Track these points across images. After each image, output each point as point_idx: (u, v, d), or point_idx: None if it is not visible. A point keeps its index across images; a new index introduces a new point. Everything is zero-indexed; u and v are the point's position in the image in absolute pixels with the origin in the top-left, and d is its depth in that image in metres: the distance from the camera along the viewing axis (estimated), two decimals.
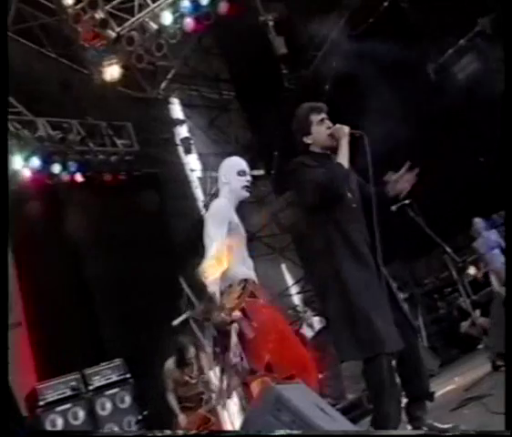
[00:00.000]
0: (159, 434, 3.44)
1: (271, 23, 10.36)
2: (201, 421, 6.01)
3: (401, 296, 9.52)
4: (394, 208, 5.11)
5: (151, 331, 8.56)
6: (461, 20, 9.15)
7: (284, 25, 10.53)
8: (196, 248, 14.55)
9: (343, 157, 3.52)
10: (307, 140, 3.74)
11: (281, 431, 2.19)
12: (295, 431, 2.18)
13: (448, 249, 5.19)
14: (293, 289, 14.28)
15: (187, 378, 6.13)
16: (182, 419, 6.05)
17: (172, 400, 6.14)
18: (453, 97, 9.57)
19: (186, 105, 13.15)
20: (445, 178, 9.09)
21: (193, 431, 5.53)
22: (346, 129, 3.62)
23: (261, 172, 14.41)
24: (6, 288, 2.23)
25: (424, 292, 10.67)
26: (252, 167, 13.43)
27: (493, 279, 8.23)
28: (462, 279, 8.92)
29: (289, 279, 14.43)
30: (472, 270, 9.59)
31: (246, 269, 3.73)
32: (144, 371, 8.14)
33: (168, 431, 5.39)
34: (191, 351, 6.20)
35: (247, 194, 3.85)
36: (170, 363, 6.29)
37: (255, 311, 3.43)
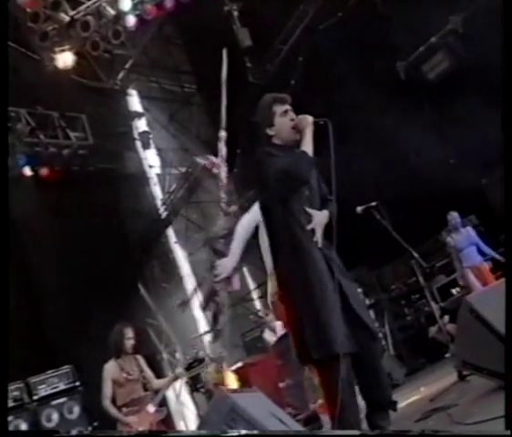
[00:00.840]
0: (155, 434, 3.47)
1: (235, 13, 10.37)
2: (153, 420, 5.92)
3: (365, 301, 9.70)
4: (359, 210, 5.18)
5: (104, 335, 8.42)
6: (432, 17, 9.29)
7: (249, 16, 10.55)
8: (152, 251, 14.49)
9: (308, 146, 3.56)
10: (270, 132, 3.76)
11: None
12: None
13: (415, 255, 5.26)
14: (255, 294, 14.31)
15: (125, 375, 5.96)
16: (132, 420, 5.84)
17: (110, 407, 5.91)
18: (422, 97, 9.77)
19: (145, 97, 13.10)
20: (413, 181, 9.27)
21: (191, 432, 5.41)
22: (310, 119, 3.65)
23: None
24: (7, 287, 2.33)
25: (391, 298, 10.84)
26: (213, 165, 13.62)
27: (471, 277, 8.45)
28: (430, 285, 9.09)
29: (251, 283, 14.44)
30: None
31: None
32: (95, 379, 7.98)
33: (166, 431, 5.53)
34: (129, 341, 6.13)
35: None
36: (109, 363, 6.14)
37: None
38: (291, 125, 3.72)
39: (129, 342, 6.11)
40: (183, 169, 13.25)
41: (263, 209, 3.72)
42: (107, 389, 5.95)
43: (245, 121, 11.28)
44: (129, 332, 6.15)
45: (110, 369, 6.05)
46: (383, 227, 4.80)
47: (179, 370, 6.75)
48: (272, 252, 3.65)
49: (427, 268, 7.29)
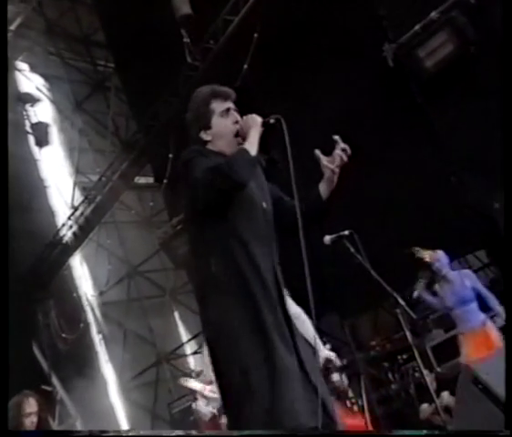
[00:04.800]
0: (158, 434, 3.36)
1: None
2: None
3: (336, 361, 9.68)
4: (327, 240, 5.14)
5: None
6: None
7: None
8: (49, 287, 14.18)
9: (251, 145, 3.52)
10: (205, 136, 3.70)
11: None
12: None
13: (402, 302, 5.22)
14: (189, 347, 14.32)
15: None
16: None
17: None
18: (416, 91, 9.85)
19: (42, 74, 12.97)
20: (399, 202, 9.29)
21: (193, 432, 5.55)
22: (257, 119, 3.62)
23: (149, 181, 14.34)
24: (7, 286, 2.80)
25: (370, 359, 10.80)
26: (137, 173, 13.55)
27: (467, 348, 7.88)
28: (421, 342, 9.09)
29: (183, 333, 14.39)
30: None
31: None
32: None
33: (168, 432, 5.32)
34: (28, 418, 5.93)
35: None
36: None
37: None
38: (233, 129, 3.67)
39: (29, 420, 5.94)
40: (95, 177, 13.10)
41: (191, 229, 3.68)
42: None
43: (180, 115, 11.23)
44: (30, 406, 6.00)
45: None
46: (358, 263, 4.77)
47: None
48: (198, 295, 3.58)
49: (418, 319, 7.23)
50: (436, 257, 7.90)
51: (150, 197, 15.25)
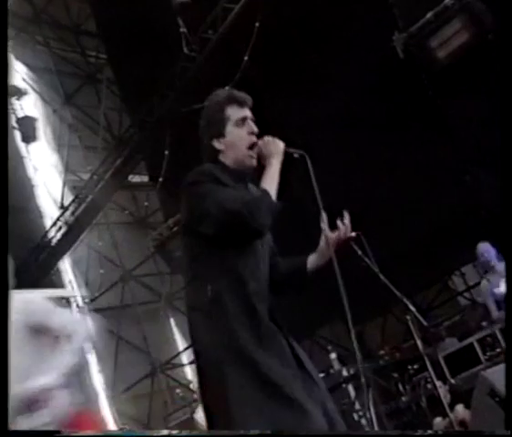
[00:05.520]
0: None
1: None
2: None
3: (343, 372, 9.58)
4: None
5: None
6: None
7: None
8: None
9: (271, 183, 3.47)
10: (218, 145, 3.60)
11: None
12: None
13: (412, 308, 5.14)
14: (186, 357, 14.36)
15: None
16: None
17: None
18: (427, 84, 9.78)
19: (28, 66, 12.93)
20: (409, 202, 9.27)
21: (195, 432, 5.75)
22: (280, 146, 3.55)
23: (143, 179, 14.30)
24: (7, 286, 2.78)
25: (379, 369, 10.71)
26: (130, 171, 13.45)
27: None
28: (433, 352, 9.01)
29: (179, 341, 14.37)
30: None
31: None
32: None
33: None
34: None
35: None
36: None
37: None
38: (247, 140, 3.58)
39: None
40: (86, 175, 13.08)
41: (187, 245, 3.62)
42: None
43: (176, 109, 11.17)
44: None
45: None
46: (366, 266, 4.68)
47: None
48: (190, 316, 3.53)
49: (430, 327, 7.18)
50: (483, 249, 8.07)
51: (145, 196, 15.23)
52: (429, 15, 9.49)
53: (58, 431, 3.32)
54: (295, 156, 3.60)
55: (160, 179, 12.20)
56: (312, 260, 3.76)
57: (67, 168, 13.54)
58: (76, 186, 13.40)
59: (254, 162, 3.56)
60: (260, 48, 10.49)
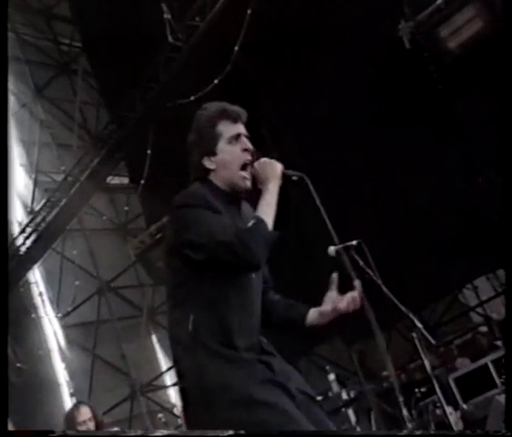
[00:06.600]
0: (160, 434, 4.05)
1: None
2: None
3: (342, 395, 9.52)
4: (332, 251, 4.96)
5: None
6: None
7: None
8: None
9: (268, 211, 3.41)
10: (208, 164, 3.56)
11: None
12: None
13: (419, 324, 5.04)
14: (169, 378, 14.32)
15: None
16: None
17: None
18: (437, 77, 9.73)
19: None
20: (416, 206, 9.26)
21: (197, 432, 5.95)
22: (278, 168, 3.51)
23: (123, 181, 14.27)
24: (6, 285, 3.01)
25: (382, 392, 10.67)
26: (109, 172, 13.43)
27: None
28: (442, 374, 8.93)
29: (162, 360, 14.40)
30: None
31: None
32: None
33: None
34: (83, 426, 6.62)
35: None
36: None
37: None
38: (241, 159, 3.54)
39: (84, 427, 6.57)
40: (59, 177, 13.07)
41: (171, 280, 3.57)
42: None
43: (160, 104, 11.14)
44: (81, 415, 6.66)
45: None
46: (368, 278, 4.58)
47: None
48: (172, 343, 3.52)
49: (438, 345, 7.13)
50: None
51: (125, 200, 15.12)
52: (439, 1, 9.52)
53: (53, 431, 3.31)
54: (294, 178, 3.57)
55: (142, 182, 12.21)
56: (312, 316, 3.74)
57: (38, 169, 13.54)
58: (48, 188, 13.39)
59: (248, 184, 3.53)
60: (252, 38, 10.43)
